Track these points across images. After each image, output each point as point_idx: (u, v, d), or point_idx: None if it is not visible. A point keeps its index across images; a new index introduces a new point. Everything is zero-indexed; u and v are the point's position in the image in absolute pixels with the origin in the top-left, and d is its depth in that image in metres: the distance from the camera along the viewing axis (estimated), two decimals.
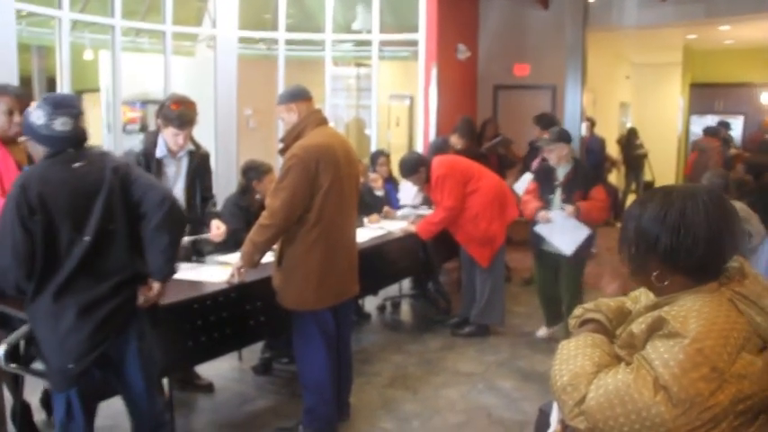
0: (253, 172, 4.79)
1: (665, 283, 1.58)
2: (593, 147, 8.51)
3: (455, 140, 6.60)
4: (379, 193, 6.29)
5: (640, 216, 1.59)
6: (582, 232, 5.01)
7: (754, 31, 11.64)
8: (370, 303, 6.15)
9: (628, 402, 1.42)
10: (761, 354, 1.47)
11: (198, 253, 4.24)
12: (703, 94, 14.33)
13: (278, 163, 4.16)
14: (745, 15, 9.58)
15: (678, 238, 1.52)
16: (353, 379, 4.07)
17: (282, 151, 3.62)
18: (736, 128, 13.56)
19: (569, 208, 4.92)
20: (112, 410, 3.45)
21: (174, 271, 2.97)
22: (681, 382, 1.38)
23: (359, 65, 10.34)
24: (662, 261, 1.56)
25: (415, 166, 5.23)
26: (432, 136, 8.43)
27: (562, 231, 5.02)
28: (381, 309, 6.24)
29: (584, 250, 5.21)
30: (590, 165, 8.22)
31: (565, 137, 5.10)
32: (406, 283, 6.51)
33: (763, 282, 1.56)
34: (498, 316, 5.47)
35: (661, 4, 9.52)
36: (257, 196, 4.72)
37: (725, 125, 10.55)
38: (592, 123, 8.60)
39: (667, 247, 1.53)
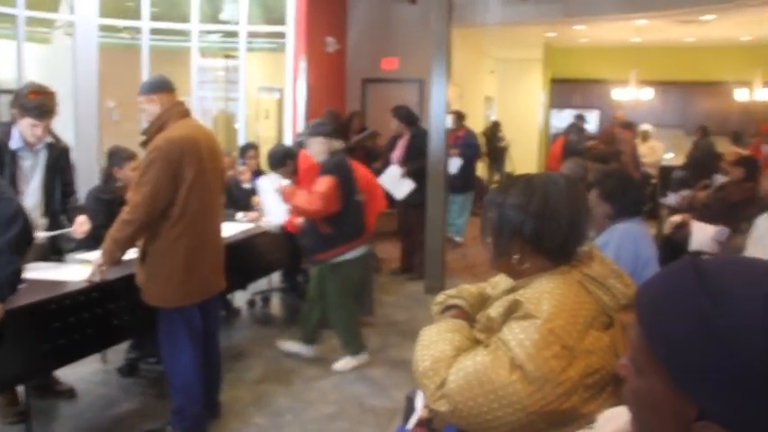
0: (115, 157, 4.57)
1: (526, 265, 1.65)
2: (470, 141, 8.74)
3: None
4: (247, 185, 6.21)
5: (503, 203, 1.66)
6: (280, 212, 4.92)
7: (606, 31, 12.38)
8: (240, 298, 6.06)
9: (486, 383, 1.48)
10: (607, 330, 1.58)
11: (57, 251, 4.04)
12: (562, 89, 15.09)
13: (142, 156, 4.02)
14: (598, 16, 10.16)
15: (543, 222, 1.61)
16: (224, 376, 4.01)
17: (144, 144, 3.51)
18: (592, 121, 14.37)
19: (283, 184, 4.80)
20: None
21: (14, 291, 2.85)
22: (535, 361, 1.46)
23: (227, 56, 10.13)
24: (526, 245, 1.64)
25: (282, 159, 5.20)
26: (300, 128, 8.41)
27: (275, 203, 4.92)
28: (251, 303, 6.17)
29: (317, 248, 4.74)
30: (470, 157, 8.51)
31: (321, 131, 4.77)
32: (276, 277, 6.46)
33: (609, 264, 1.67)
34: (368, 306, 5.54)
35: (522, 3, 9.93)
36: (119, 184, 4.52)
37: (581, 118, 11.13)
38: (461, 117, 8.82)
39: (532, 232, 1.62)
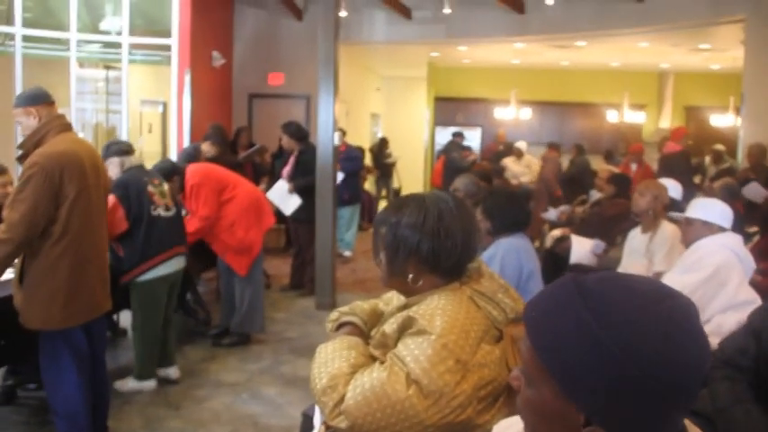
0: None
1: (420, 283, 1.70)
2: (352, 155, 8.82)
3: (206, 148, 6.49)
4: None
5: (398, 222, 1.70)
6: None
7: (488, 52, 12.84)
8: (126, 318, 5.83)
9: (383, 398, 1.51)
10: (497, 343, 1.65)
11: None
12: (446, 107, 15.48)
13: (17, 172, 3.82)
14: (479, 38, 10.53)
15: (439, 241, 1.66)
16: (111, 400, 3.84)
17: (21, 159, 3.33)
18: (475, 139, 14.82)
19: None
20: None
21: None
22: (430, 375, 1.50)
23: (108, 67, 9.80)
24: (421, 264, 1.68)
25: (168, 175, 5.04)
26: (186, 143, 8.25)
27: None
28: None
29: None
30: (353, 171, 8.57)
31: (113, 151, 4.42)
32: None
33: (497, 279, 1.75)
34: (259, 323, 5.47)
35: (407, 23, 10.15)
36: None
37: (459, 135, 11.46)
38: (343, 133, 8.92)
39: (429, 251, 1.66)
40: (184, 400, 4.40)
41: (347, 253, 8.80)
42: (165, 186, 4.53)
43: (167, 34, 8.42)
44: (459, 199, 1.78)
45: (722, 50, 11.10)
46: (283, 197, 6.83)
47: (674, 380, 0.88)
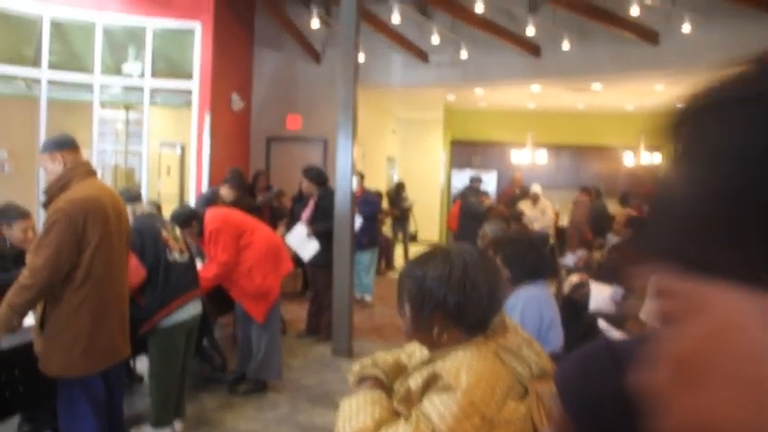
0: (3, 215, 4.25)
1: (444, 337, 1.68)
2: (369, 199, 8.83)
3: (225, 192, 6.53)
4: None
5: (424, 276, 1.68)
6: None
7: (504, 95, 12.92)
8: (143, 363, 5.81)
9: None
10: (523, 400, 1.62)
11: None
12: (462, 151, 15.52)
13: (41, 216, 3.84)
14: (495, 81, 10.60)
15: (465, 295, 1.64)
16: None
17: (46, 204, 3.36)
18: (491, 182, 14.82)
19: None
20: None
21: None
22: None
23: (128, 109, 9.95)
24: (448, 318, 1.66)
25: (187, 220, 5.07)
26: (204, 186, 8.30)
27: None
28: None
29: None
30: (371, 215, 8.57)
31: (126, 198, 4.31)
32: None
33: (522, 333, 1.72)
34: (276, 370, 5.41)
35: (423, 66, 10.25)
36: (8, 244, 4.26)
37: (477, 180, 11.46)
38: (361, 177, 8.95)
39: (455, 305, 1.64)
40: None
41: (368, 297, 8.76)
42: (177, 231, 4.54)
43: (188, 77, 8.54)
44: (483, 251, 1.77)
45: None
46: (302, 242, 6.82)
47: None
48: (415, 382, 1.65)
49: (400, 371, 1.84)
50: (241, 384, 5.40)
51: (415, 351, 1.89)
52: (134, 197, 4.49)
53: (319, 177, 6.95)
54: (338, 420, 1.67)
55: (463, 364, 1.58)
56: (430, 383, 1.59)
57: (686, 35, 8.24)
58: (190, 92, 8.52)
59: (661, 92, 11.48)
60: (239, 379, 5.45)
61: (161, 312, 4.22)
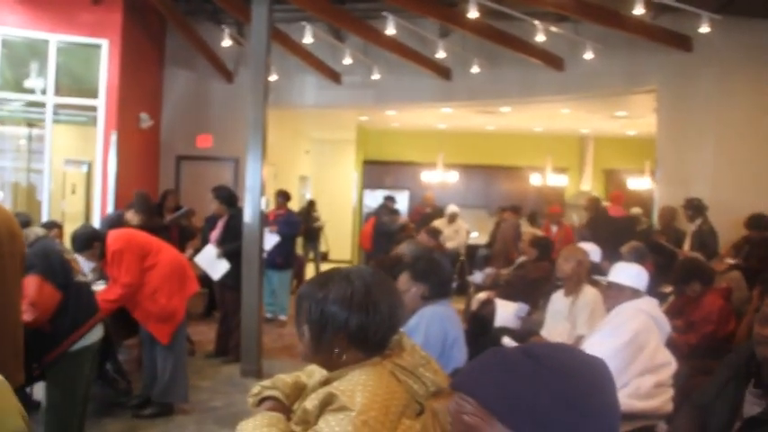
0: None
1: (343, 358, 1.69)
2: (291, 219, 8.77)
3: (130, 216, 6.37)
4: None
5: (325, 298, 1.69)
6: None
7: (415, 117, 13.14)
8: (40, 390, 5.57)
9: None
10: (418, 418, 1.65)
11: None
12: (374, 170, 15.65)
13: None
14: (407, 103, 10.79)
15: (368, 317, 1.66)
16: None
17: None
18: (403, 201, 14.98)
19: None
20: None
21: None
22: None
23: (31, 125, 9.58)
24: (349, 339, 1.67)
25: (89, 241, 4.90)
26: (110, 205, 8.11)
27: None
28: None
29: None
30: (289, 235, 8.51)
31: None
32: None
33: (418, 352, 1.76)
34: (182, 393, 5.29)
35: (336, 87, 10.32)
36: None
37: (391, 199, 11.59)
38: (287, 196, 8.88)
39: (358, 327, 1.66)
40: None
41: (282, 317, 8.69)
42: (73, 255, 4.39)
43: (94, 94, 8.32)
44: (380, 272, 1.80)
45: (637, 117, 11.65)
46: (211, 262, 6.74)
47: (615, 425, 1.05)
48: (311, 402, 1.65)
49: (300, 391, 1.84)
50: (146, 408, 5.26)
51: (315, 371, 1.90)
52: (25, 223, 4.31)
53: (229, 198, 6.89)
54: None
55: (358, 385, 1.59)
56: (326, 404, 1.60)
57: (589, 62, 8.59)
58: (95, 109, 8.30)
59: (566, 115, 11.92)
60: (145, 403, 5.30)
61: (72, 336, 4.04)
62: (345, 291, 1.68)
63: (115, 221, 6.00)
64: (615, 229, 7.95)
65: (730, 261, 6.43)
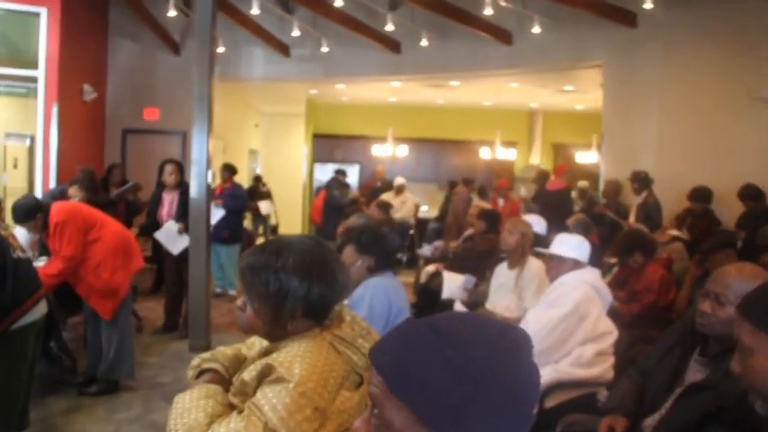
0: None
1: (292, 328, 1.68)
2: (237, 193, 8.65)
3: (74, 192, 6.22)
4: None
5: (284, 268, 1.66)
6: None
7: (365, 90, 13.08)
8: None
9: None
10: (358, 389, 1.66)
11: None
12: (324, 144, 15.57)
13: None
14: (356, 77, 10.73)
15: (327, 286, 1.67)
16: None
17: None
18: (354, 175, 14.96)
19: None
20: None
21: None
22: (288, 425, 1.49)
23: None
24: (300, 308, 1.66)
25: (30, 212, 4.77)
26: (52, 180, 7.92)
27: None
28: None
29: None
30: (236, 209, 8.40)
31: None
32: None
33: (359, 323, 1.76)
34: (128, 369, 5.22)
35: (285, 60, 10.21)
36: None
37: (341, 173, 11.55)
38: (233, 170, 8.75)
39: (307, 294, 1.65)
40: None
41: (232, 291, 8.63)
42: (11, 229, 4.27)
43: (34, 65, 8.07)
44: (324, 242, 1.78)
45: (584, 92, 11.80)
46: (172, 237, 6.66)
47: (528, 401, 1.00)
48: (249, 374, 1.64)
49: (240, 363, 1.83)
50: (92, 386, 5.18)
51: (255, 343, 1.89)
52: None
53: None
54: (170, 416, 1.65)
55: (297, 356, 1.59)
56: (263, 375, 1.60)
57: (536, 36, 8.65)
58: (36, 80, 8.06)
59: (515, 89, 12.01)
60: (90, 380, 5.22)
61: (14, 314, 3.94)
62: (304, 260, 1.66)
63: (57, 196, 5.86)
64: (550, 201, 8.07)
65: (673, 233, 6.59)
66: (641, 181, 7.43)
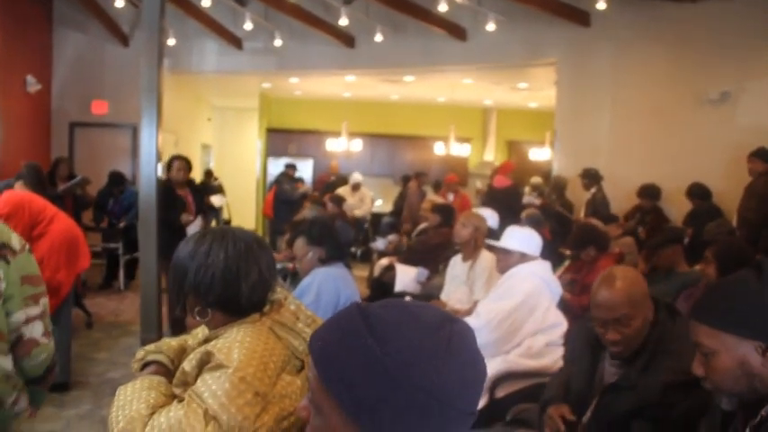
0: None
1: (207, 318, 1.68)
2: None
3: (19, 188, 6.06)
4: None
5: (179, 253, 1.69)
6: None
7: (319, 85, 13.03)
8: None
9: None
10: (299, 374, 1.65)
11: None
12: (278, 139, 15.45)
13: None
14: (310, 70, 10.68)
15: (200, 276, 1.65)
16: None
17: None
18: (307, 170, 14.89)
19: None
20: None
21: None
22: (229, 410, 1.47)
23: None
24: (192, 297, 1.67)
25: None
26: None
27: None
28: None
29: None
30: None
31: None
32: None
33: (302, 310, 1.75)
34: (64, 370, 5.04)
35: (238, 53, 10.11)
36: None
37: (292, 167, 11.50)
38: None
39: (191, 284, 1.65)
40: None
41: None
42: None
43: None
44: (247, 236, 1.74)
45: (538, 90, 11.94)
46: None
47: (455, 400, 0.95)
48: (189, 363, 1.63)
49: (186, 354, 1.81)
50: None
51: (199, 333, 1.87)
52: None
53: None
54: (112, 408, 1.63)
55: (236, 342, 1.58)
56: (203, 363, 1.58)
57: (491, 33, 8.71)
58: None
59: (469, 85, 12.08)
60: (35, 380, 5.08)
61: None
62: (194, 247, 1.67)
63: (3, 192, 5.68)
64: (497, 199, 8.15)
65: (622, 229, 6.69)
66: (591, 177, 7.57)
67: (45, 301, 2.41)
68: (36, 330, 2.37)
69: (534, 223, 5.51)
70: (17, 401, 2.33)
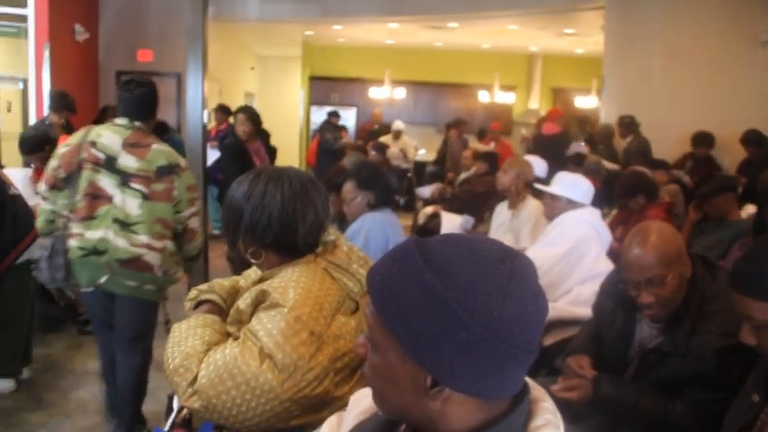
0: None
1: (261, 260, 1.68)
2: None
3: (55, 120, 6.16)
4: None
5: (233, 194, 1.67)
6: None
7: (362, 32, 12.88)
8: None
9: (237, 375, 1.49)
10: (354, 315, 1.66)
11: None
12: (321, 87, 15.39)
13: None
14: (354, 17, 10.56)
15: (256, 217, 1.63)
16: None
17: None
18: (350, 118, 14.84)
19: None
20: None
21: None
22: (284, 349, 1.49)
23: None
24: (251, 237, 1.66)
25: (39, 144, 4.68)
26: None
27: None
28: None
29: None
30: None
31: None
32: None
33: (355, 252, 1.75)
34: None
35: (280, 1, 10.01)
36: None
37: (335, 115, 11.44)
38: (227, 111, 8.64)
39: (247, 225, 1.64)
40: (47, 392, 4.19)
41: None
42: None
43: (23, 3, 7.89)
44: (302, 177, 1.73)
45: (585, 35, 11.63)
46: None
47: (516, 337, 0.92)
48: (244, 302, 1.64)
49: (237, 294, 1.82)
50: (90, 325, 5.20)
51: (251, 274, 1.88)
52: None
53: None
54: (168, 345, 1.66)
55: (291, 281, 1.59)
56: (258, 302, 1.60)
57: None
58: (25, 19, 7.89)
59: (514, 31, 11.83)
60: (89, 320, 5.24)
61: (17, 248, 3.92)
62: (248, 188, 1.66)
63: (40, 127, 5.76)
64: (545, 145, 8.02)
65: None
66: (626, 125, 7.39)
67: (199, 203, 3.47)
68: (195, 222, 3.41)
69: (593, 172, 5.41)
70: (176, 272, 3.50)
